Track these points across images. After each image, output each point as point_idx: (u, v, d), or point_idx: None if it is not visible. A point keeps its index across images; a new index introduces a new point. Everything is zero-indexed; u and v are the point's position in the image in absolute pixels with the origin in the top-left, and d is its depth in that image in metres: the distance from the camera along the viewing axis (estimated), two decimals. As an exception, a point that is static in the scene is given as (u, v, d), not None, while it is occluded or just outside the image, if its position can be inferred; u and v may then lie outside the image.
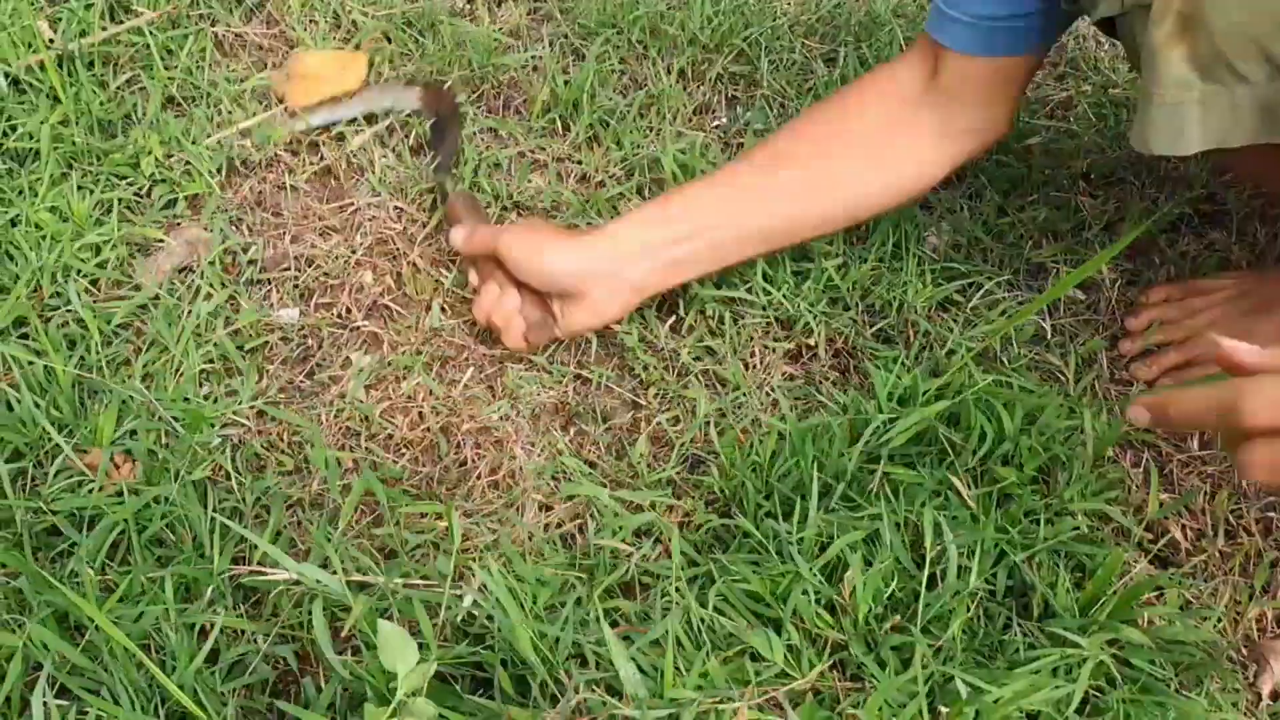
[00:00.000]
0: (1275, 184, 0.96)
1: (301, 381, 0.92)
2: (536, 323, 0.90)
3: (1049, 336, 0.97)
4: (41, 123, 1.01)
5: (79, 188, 0.99)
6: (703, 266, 0.90)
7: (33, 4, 1.09)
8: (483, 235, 0.91)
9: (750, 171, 0.90)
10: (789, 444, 0.84)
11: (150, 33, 1.12)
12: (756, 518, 0.80)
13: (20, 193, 0.98)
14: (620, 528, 0.81)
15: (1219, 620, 0.81)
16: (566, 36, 1.20)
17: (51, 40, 1.05)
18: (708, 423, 0.89)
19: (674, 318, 0.96)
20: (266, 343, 0.94)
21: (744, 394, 0.91)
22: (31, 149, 1.01)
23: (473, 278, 0.94)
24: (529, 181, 1.07)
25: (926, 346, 0.95)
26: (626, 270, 0.87)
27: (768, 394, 0.92)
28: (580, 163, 1.08)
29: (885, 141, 0.90)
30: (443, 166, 1.04)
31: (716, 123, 1.14)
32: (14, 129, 1.02)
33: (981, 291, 0.99)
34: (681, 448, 0.88)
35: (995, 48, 0.84)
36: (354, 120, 1.10)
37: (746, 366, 0.94)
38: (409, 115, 1.11)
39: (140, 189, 1.02)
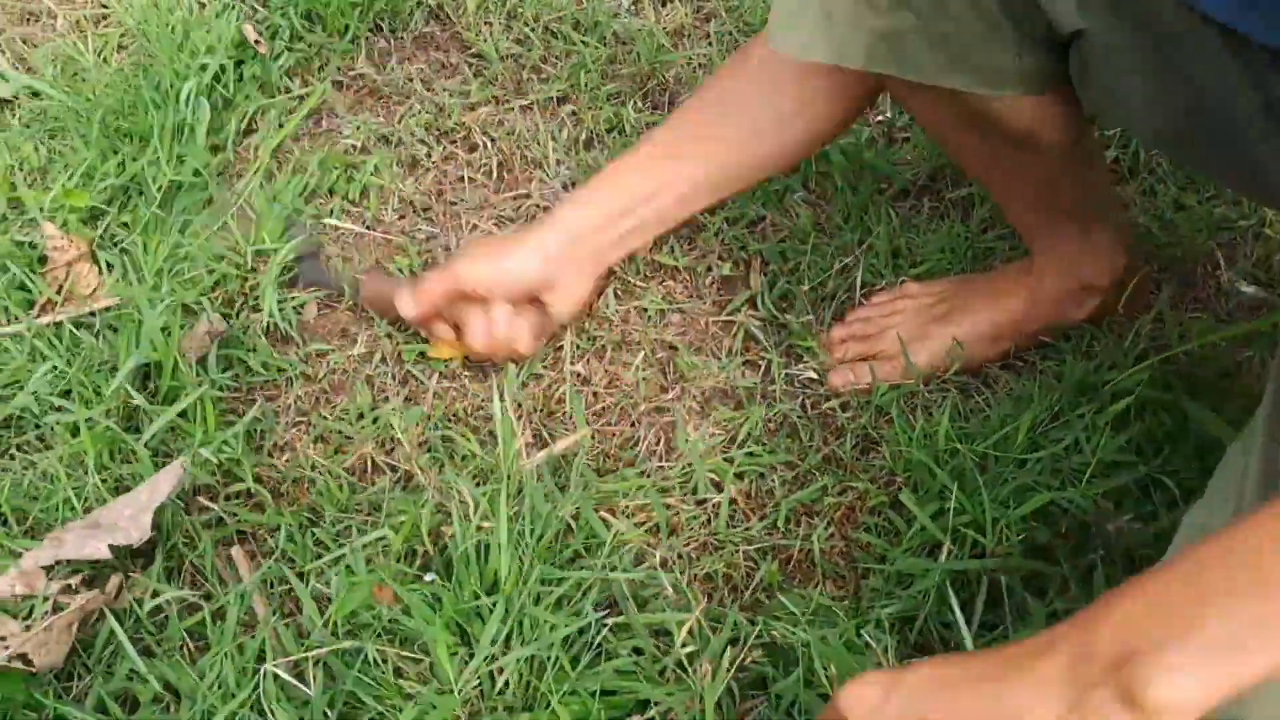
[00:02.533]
0: (951, 149, 0.92)
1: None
2: (537, 321, 0.91)
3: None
4: (258, 116, 1.11)
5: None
6: (654, 230, 0.91)
7: (237, 11, 1.18)
8: (433, 282, 0.89)
9: (664, 134, 0.90)
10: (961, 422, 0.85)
11: (339, 35, 1.19)
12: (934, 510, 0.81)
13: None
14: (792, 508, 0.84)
15: None
16: (731, 34, 1.23)
17: (257, 41, 1.13)
18: (879, 409, 0.90)
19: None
20: (450, 323, 0.99)
21: (917, 382, 0.92)
22: (248, 143, 1.10)
23: (442, 332, 0.92)
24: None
25: (1094, 338, 0.94)
26: (581, 252, 0.89)
27: (938, 381, 0.92)
28: (745, 156, 1.11)
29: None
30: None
31: (879, 117, 1.15)
32: (220, 128, 1.11)
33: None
34: (853, 433, 0.89)
35: None
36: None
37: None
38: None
39: (333, 182, 1.09)
